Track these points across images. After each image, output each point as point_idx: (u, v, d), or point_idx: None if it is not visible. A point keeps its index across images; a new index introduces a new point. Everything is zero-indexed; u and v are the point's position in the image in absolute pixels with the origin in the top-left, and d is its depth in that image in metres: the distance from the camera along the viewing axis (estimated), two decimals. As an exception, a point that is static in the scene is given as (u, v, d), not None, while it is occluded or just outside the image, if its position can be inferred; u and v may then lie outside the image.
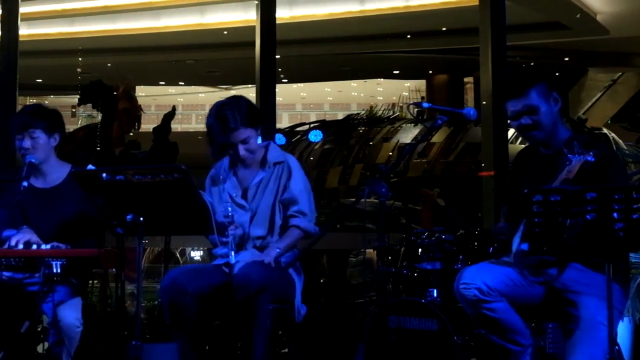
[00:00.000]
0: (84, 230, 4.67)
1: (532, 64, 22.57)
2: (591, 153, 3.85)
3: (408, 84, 29.18)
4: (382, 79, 29.11)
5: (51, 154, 4.90)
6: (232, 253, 4.63)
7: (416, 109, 21.94)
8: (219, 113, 4.76)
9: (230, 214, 4.64)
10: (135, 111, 12.56)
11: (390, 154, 20.93)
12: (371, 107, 26.44)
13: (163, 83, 28.16)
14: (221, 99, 4.92)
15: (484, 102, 8.86)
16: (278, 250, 4.71)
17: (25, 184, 4.61)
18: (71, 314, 4.45)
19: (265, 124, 5.06)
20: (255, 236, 4.80)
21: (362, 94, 33.13)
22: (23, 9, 8.85)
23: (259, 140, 4.91)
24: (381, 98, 30.30)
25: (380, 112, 24.98)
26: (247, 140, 4.78)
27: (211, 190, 4.93)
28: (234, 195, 4.85)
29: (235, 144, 4.77)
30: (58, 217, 4.74)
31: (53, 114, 4.96)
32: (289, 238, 4.82)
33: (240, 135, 4.76)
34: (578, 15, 16.97)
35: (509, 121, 4.35)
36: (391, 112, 24.93)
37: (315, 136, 21.51)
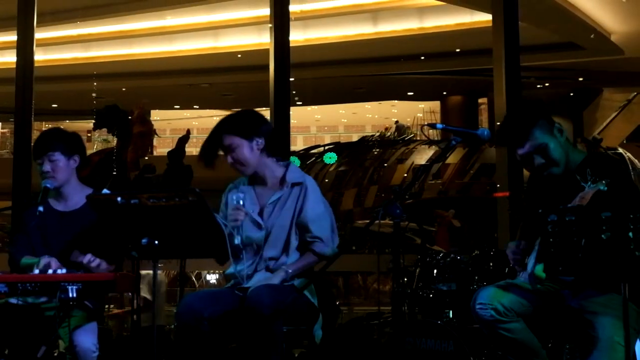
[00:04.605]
0: (102, 254, 4.65)
1: (546, 84, 22.61)
2: (604, 182, 3.79)
3: (422, 105, 29.25)
4: (396, 101, 29.19)
5: (72, 177, 4.86)
6: (240, 237, 4.62)
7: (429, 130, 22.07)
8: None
9: (241, 202, 4.64)
10: (149, 135, 12.57)
11: (405, 175, 20.94)
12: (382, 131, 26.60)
13: (178, 107, 28.31)
14: None
15: (499, 123, 8.84)
16: (288, 272, 4.67)
17: (40, 208, 4.62)
18: (87, 338, 4.43)
19: (279, 146, 4.98)
20: (268, 257, 4.72)
21: (376, 116, 33.20)
22: (38, 35, 8.93)
23: (260, 155, 4.79)
24: (395, 120, 30.36)
25: (389, 134, 25.09)
26: (231, 147, 4.71)
27: (228, 201, 4.80)
28: (252, 212, 4.77)
29: (223, 148, 4.71)
30: (78, 241, 4.72)
31: (71, 136, 4.94)
32: (302, 262, 4.73)
33: (225, 141, 4.70)
34: (592, 36, 16.98)
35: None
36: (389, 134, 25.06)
37: (330, 158, 21.58)
